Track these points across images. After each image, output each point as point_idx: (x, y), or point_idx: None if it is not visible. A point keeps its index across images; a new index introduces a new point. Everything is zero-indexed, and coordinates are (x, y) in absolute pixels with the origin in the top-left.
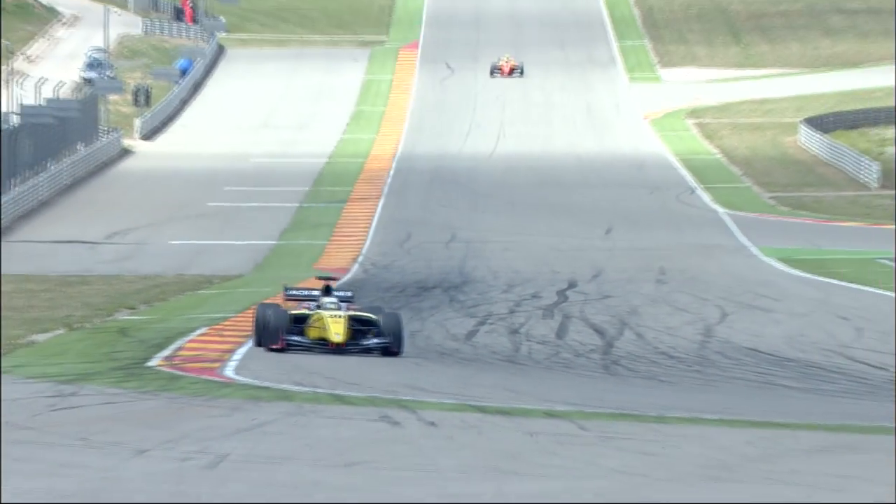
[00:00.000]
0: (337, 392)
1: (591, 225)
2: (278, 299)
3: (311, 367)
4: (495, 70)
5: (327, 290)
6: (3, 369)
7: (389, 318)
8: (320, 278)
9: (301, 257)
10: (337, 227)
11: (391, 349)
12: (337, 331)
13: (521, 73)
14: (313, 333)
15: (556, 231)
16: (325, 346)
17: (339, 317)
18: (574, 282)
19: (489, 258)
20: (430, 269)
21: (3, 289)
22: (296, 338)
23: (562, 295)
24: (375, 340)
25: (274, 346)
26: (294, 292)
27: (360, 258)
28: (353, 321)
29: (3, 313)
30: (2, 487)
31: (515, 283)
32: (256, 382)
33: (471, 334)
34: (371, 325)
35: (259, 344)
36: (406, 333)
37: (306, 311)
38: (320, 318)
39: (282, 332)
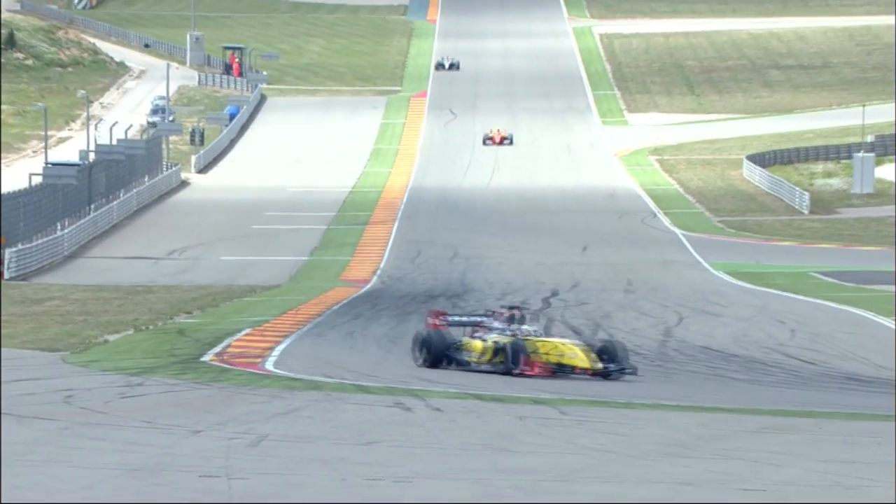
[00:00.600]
0: (359, 382)
1: (570, 244)
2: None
3: (338, 361)
4: (487, 139)
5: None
6: (82, 363)
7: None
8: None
9: (328, 270)
10: (359, 246)
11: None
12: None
13: (511, 142)
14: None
15: (541, 249)
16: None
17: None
18: (556, 291)
19: (486, 271)
20: (437, 280)
21: (82, 297)
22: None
23: (546, 302)
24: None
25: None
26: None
27: (379, 271)
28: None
29: (81, 318)
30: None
31: (508, 292)
32: (291, 375)
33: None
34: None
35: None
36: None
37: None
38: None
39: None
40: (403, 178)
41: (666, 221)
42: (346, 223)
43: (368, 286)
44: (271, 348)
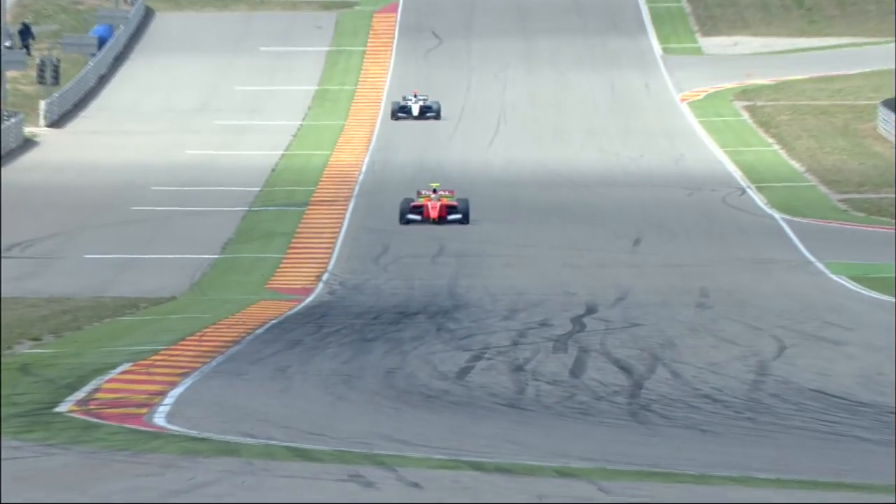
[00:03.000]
0: (296, 445)
1: (614, 234)
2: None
3: (264, 412)
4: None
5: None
6: None
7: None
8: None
9: (250, 275)
10: (295, 238)
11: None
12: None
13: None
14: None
15: (569, 242)
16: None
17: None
18: (593, 306)
19: (486, 276)
20: (412, 290)
21: None
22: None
23: (578, 323)
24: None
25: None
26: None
27: (325, 276)
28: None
29: None
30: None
31: (519, 308)
32: (194, 433)
33: (463, 372)
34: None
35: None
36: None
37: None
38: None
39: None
40: (362, 137)
41: (760, 201)
42: (276, 203)
43: (310, 299)
44: (163, 393)
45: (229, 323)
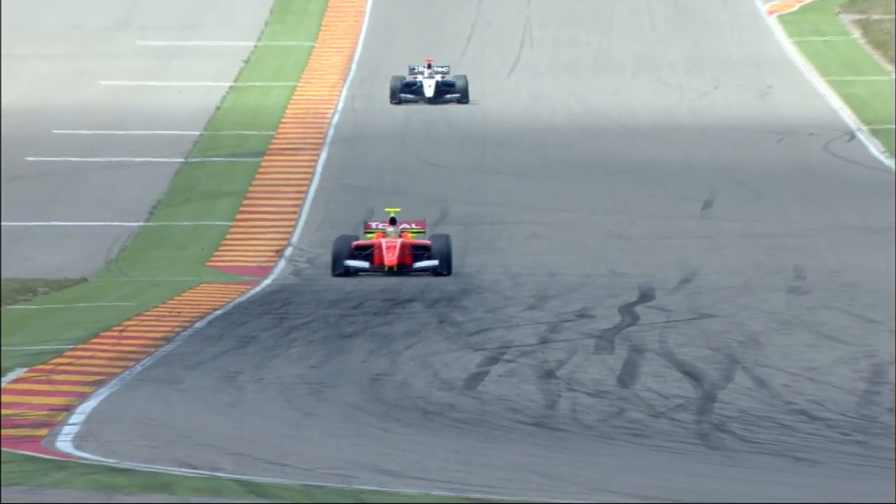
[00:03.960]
0: (248, 478)
1: (677, 194)
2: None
3: (206, 434)
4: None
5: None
6: None
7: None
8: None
9: (186, 248)
10: (248, 199)
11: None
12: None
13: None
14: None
15: (617, 205)
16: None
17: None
18: (649, 291)
19: (504, 251)
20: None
21: None
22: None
23: (628, 313)
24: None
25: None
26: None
27: (288, 251)
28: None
29: None
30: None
31: (549, 294)
32: (111, 462)
33: (475, 380)
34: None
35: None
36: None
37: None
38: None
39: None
40: (338, 64)
41: (874, 148)
42: (221, 153)
43: (268, 281)
44: (69, 409)
45: (159, 313)
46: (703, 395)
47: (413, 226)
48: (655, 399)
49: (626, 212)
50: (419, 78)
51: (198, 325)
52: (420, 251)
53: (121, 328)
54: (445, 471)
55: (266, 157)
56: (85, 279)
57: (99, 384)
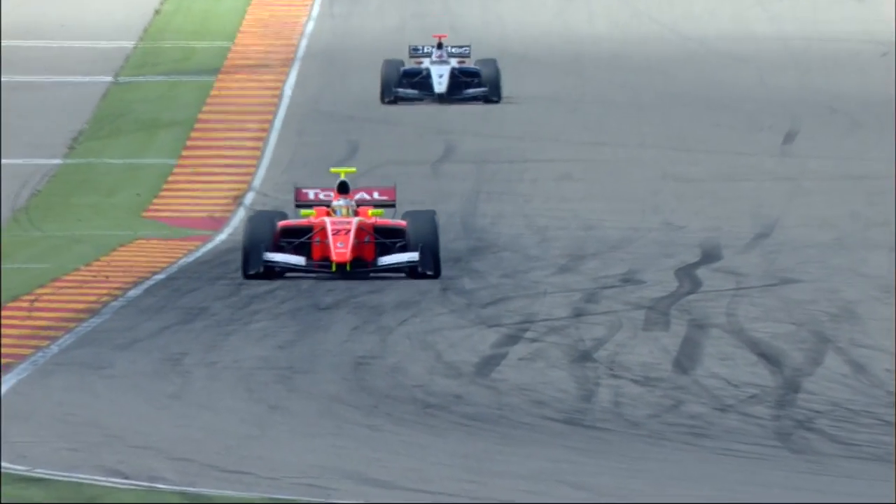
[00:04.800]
0: (197, 490)
1: (750, 124)
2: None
3: (142, 434)
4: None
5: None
6: None
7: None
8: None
9: (116, 194)
10: (197, 130)
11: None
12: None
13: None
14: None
15: (674, 139)
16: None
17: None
18: (714, 249)
19: (529, 197)
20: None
21: None
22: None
23: (687, 278)
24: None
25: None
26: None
27: (249, 197)
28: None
29: None
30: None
31: (586, 253)
32: (20, 469)
33: (489, 364)
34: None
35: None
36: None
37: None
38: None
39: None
40: None
41: None
42: (162, 71)
43: (222, 237)
44: None
45: (81, 278)
46: (784, 384)
47: (376, 196)
48: (722, 388)
49: (685, 147)
50: (425, 63)
51: (132, 293)
52: (389, 238)
53: (32, 298)
54: (451, 481)
55: (220, 77)
56: None
57: (4, 370)
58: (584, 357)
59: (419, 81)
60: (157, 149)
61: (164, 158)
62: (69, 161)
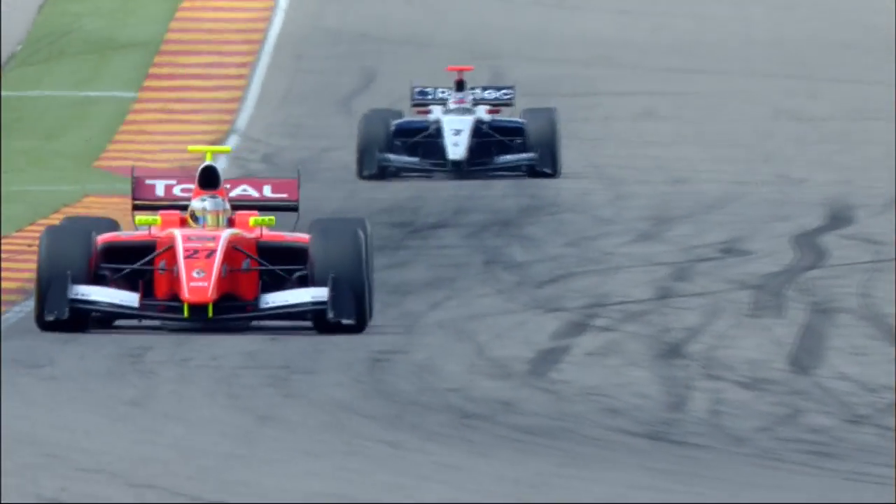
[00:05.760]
0: None
1: (886, 46)
2: None
3: (94, 451)
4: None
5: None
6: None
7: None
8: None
9: (59, 137)
10: (163, 53)
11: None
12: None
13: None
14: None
15: (790, 63)
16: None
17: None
18: (844, 209)
19: (599, 141)
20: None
21: None
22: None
23: (809, 247)
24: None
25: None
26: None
27: (233, 141)
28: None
29: None
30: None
31: (674, 215)
32: None
33: (547, 361)
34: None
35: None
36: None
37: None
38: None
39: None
40: None
41: None
42: None
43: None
44: None
45: (13, 248)
46: None
47: (264, 192)
48: (853, 393)
49: (805, 74)
50: (435, 114)
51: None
52: (284, 264)
53: None
54: None
55: None
56: None
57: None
58: (673, 352)
59: (424, 143)
60: (111, 78)
61: (120, 91)
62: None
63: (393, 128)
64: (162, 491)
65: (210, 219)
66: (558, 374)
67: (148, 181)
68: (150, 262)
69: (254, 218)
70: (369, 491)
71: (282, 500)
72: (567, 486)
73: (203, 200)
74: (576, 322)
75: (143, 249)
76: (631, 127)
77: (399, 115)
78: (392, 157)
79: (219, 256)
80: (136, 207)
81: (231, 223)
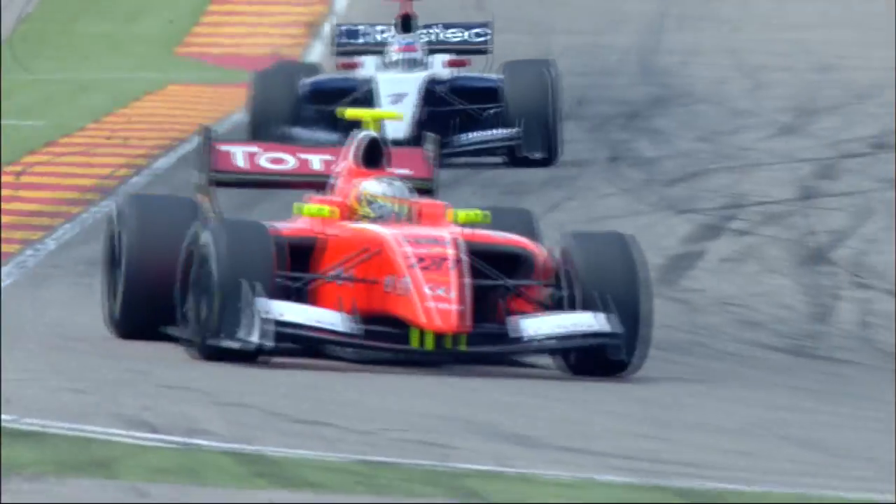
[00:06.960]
0: (256, 448)
1: None
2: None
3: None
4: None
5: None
6: None
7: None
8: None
9: (138, 19)
10: None
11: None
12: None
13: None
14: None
15: None
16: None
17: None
18: None
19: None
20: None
21: None
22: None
23: None
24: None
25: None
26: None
27: (330, 25)
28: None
29: None
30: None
31: (819, 107)
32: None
33: (676, 268)
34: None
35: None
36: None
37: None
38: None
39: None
40: None
41: None
42: None
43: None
44: None
45: (88, 141)
46: None
47: (406, 171)
48: None
49: None
50: (368, 72)
51: (161, 163)
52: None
53: (18, 169)
54: (622, 437)
55: None
56: None
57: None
58: (817, 258)
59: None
60: None
61: None
62: None
63: (305, 89)
64: (251, 410)
65: (397, 208)
66: (691, 283)
67: (222, 148)
68: (342, 270)
69: (463, 212)
70: (486, 411)
71: (387, 422)
72: (698, 405)
73: (381, 182)
74: (710, 225)
75: (305, 250)
76: (772, 7)
77: (314, 70)
78: (299, 131)
79: (464, 268)
80: (212, 182)
81: (418, 214)
